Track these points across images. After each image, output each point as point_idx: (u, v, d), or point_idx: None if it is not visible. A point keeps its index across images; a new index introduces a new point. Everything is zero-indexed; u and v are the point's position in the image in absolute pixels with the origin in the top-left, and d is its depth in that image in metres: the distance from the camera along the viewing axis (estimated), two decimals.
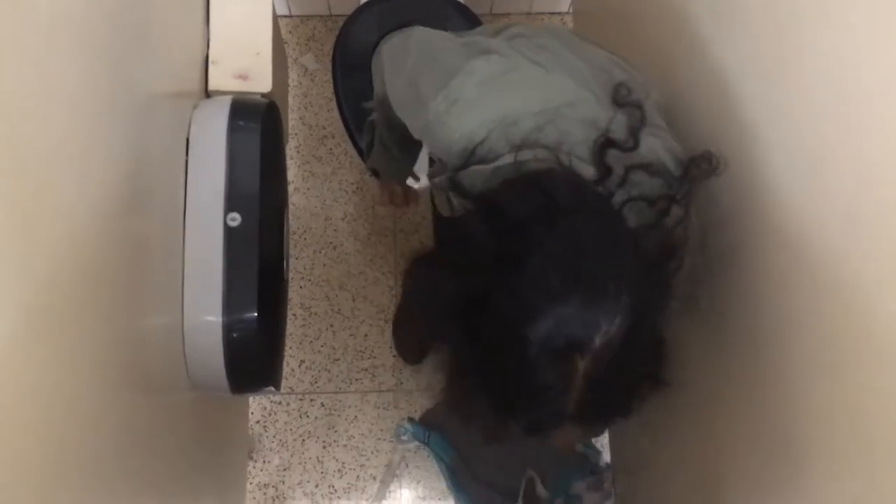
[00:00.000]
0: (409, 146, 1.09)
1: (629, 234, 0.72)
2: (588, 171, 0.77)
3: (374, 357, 1.74)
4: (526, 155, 0.77)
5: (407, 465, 1.69)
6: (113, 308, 0.73)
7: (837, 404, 0.66)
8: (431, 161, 1.12)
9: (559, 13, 1.96)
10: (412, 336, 1.73)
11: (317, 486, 1.68)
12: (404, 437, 1.61)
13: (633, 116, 0.80)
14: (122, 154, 0.77)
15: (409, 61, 0.89)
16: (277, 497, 1.68)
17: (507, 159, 0.77)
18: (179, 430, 1.02)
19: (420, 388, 1.72)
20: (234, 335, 0.99)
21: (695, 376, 1.02)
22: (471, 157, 0.79)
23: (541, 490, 1.53)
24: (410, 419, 1.64)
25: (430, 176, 0.91)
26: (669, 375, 0.74)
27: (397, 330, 1.75)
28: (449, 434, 1.60)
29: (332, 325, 1.75)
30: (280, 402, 1.72)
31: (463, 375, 0.74)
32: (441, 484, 1.67)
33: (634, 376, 0.70)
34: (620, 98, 0.81)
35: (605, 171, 0.76)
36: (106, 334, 0.71)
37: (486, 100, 0.80)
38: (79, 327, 0.64)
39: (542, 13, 1.96)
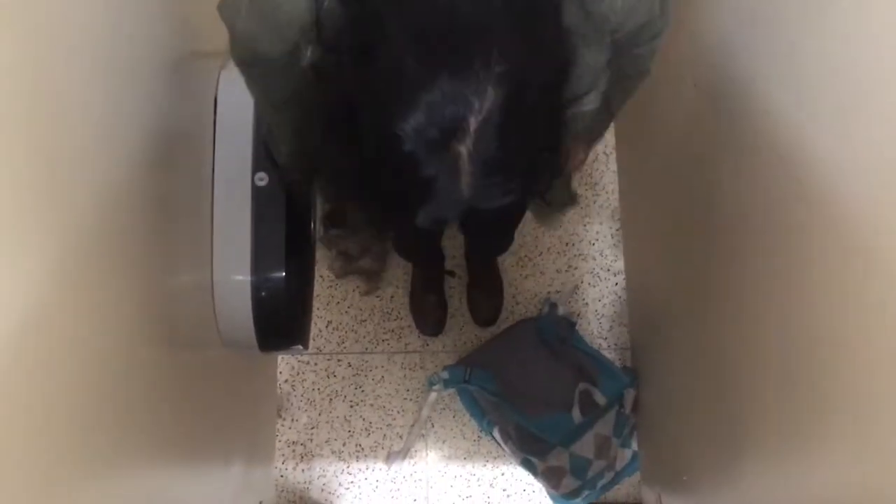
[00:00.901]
0: (287, 91, 0.87)
1: None
2: None
3: (401, 318, 1.75)
4: None
5: (433, 425, 1.71)
6: (143, 264, 0.75)
7: (865, 361, 0.65)
8: None
9: None
10: (424, 303, 1.73)
11: (344, 444, 1.72)
12: (436, 387, 1.61)
13: None
14: (149, 114, 0.78)
15: None
16: (306, 454, 1.71)
17: None
18: (211, 387, 1.04)
19: (446, 349, 1.74)
20: (263, 294, 1.00)
21: (719, 323, 1.02)
22: None
23: (599, 398, 1.53)
24: (446, 367, 1.63)
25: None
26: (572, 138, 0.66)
27: (412, 303, 1.75)
28: (491, 367, 1.58)
29: (358, 287, 1.76)
30: (308, 362, 1.74)
31: (359, 194, 0.68)
32: (466, 443, 1.70)
33: (534, 145, 0.63)
34: None
35: None
36: (136, 290, 0.72)
37: None
38: (109, 283, 0.65)
39: None
